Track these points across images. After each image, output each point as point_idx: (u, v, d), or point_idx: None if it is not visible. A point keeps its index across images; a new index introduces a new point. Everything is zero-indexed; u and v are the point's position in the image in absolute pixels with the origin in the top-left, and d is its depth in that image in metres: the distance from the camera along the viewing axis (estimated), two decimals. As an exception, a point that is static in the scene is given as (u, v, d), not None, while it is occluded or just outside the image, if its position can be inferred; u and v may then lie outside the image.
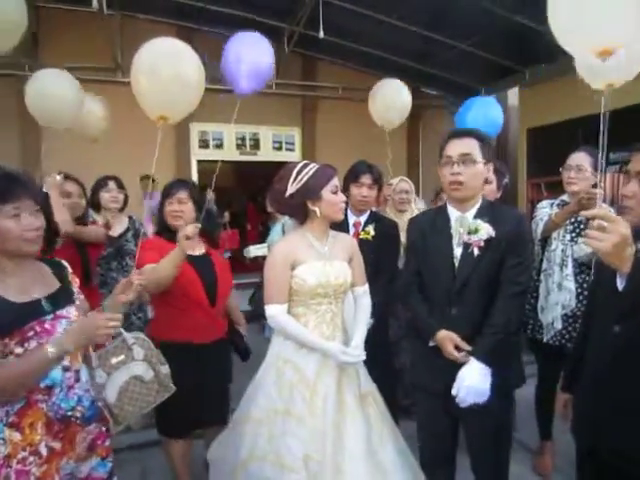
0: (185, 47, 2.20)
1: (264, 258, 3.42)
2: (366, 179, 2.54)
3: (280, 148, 6.62)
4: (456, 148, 1.77)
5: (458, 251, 1.79)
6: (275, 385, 1.86)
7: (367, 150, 3.21)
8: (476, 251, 1.74)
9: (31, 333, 1.35)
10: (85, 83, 3.77)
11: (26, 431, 1.36)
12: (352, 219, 2.61)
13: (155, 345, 2.17)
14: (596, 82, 1.90)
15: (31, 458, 1.35)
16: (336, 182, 1.90)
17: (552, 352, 2.48)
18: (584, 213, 1.26)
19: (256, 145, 6.51)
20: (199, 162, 6.36)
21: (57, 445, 1.40)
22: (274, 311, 1.86)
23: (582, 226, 2.38)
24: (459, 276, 1.77)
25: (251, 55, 2.54)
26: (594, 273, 1.80)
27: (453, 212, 1.83)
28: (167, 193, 2.28)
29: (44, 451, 1.37)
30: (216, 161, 6.39)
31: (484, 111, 3.26)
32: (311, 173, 1.85)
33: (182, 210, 2.25)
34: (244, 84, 2.55)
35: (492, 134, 3.21)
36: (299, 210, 1.90)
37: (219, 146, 6.40)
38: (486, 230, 1.73)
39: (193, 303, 2.21)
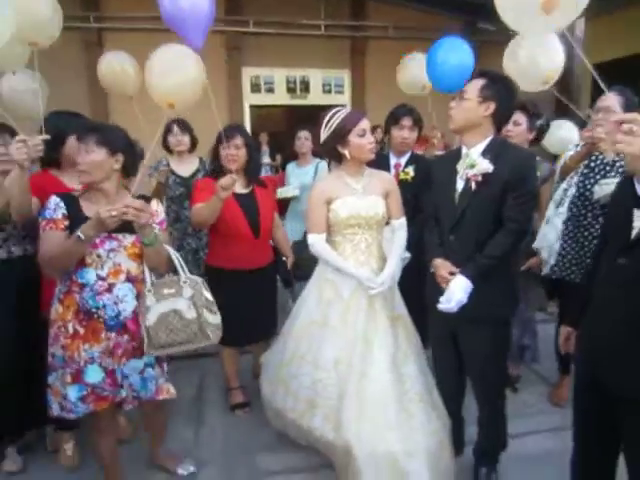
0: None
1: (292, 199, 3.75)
2: (406, 121, 2.73)
3: (330, 91, 6.73)
4: (465, 87, 1.95)
5: (460, 185, 1.96)
6: (316, 301, 2.25)
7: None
8: (473, 185, 1.88)
9: None
10: (149, 32, 4.03)
11: (64, 309, 1.85)
12: (393, 160, 2.83)
13: (209, 270, 2.59)
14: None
15: (62, 329, 1.85)
16: (364, 125, 2.13)
17: (556, 287, 2.66)
18: (619, 117, 1.28)
19: (306, 89, 6.65)
20: (251, 107, 6.60)
21: (81, 330, 1.83)
22: (313, 239, 2.22)
23: (598, 169, 2.46)
24: (457, 208, 1.95)
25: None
26: (608, 207, 1.92)
27: (464, 150, 1.99)
28: (224, 137, 2.53)
29: (70, 329, 1.83)
30: (268, 106, 6.63)
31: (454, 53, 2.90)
32: (339, 119, 2.12)
33: (237, 154, 2.56)
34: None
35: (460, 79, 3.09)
36: (333, 153, 2.20)
37: (270, 90, 6.60)
38: (483, 166, 1.85)
39: (238, 235, 2.58)
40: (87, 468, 2.34)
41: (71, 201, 1.84)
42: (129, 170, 1.95)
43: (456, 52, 2.86)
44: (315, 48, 6.29)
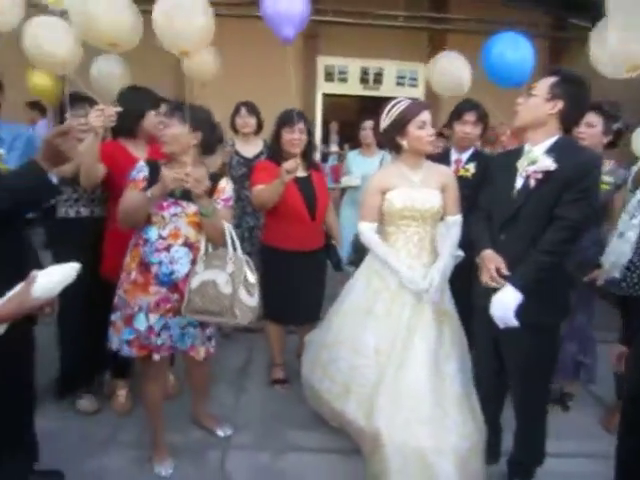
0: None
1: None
2: (469, 116, 2.67)
3: (403, 84, 6.67)
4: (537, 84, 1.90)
5: (519, 182, 1.90)
6: (363, 288, 2.29)
7: (495, 88, 3.14)
8: (532, 183, 1.83)
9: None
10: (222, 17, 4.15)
11: (131, 259, 2.09)
12: (454, 156, 2.78)
13: (264, 248, 2.71)
14: None
15: (127, 276, 2.08)
16: (424, 117, 2.13)
17: (620, 302, 2.50)
18: None
19: (379, 80, 6.64)
20: (324, 95, 6.68)
21: (139, 279, 2.05)
22: (363, 228, 2.27)
23: None
24: (513, 205, 1.89)
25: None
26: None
27: (526, 147, 1.93)
28: (287, 121, 2.63)
29: (132, 277, 2.06)
30: (340, 95, 6.66)
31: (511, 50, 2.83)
32: (400, 109, 2.14)
33: (301, 138, 2.65)
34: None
35: (520, 77, 2.86)
36: (392, 144, 2.23)
37: (344, 80, 6.64)
38: (545, 163, 1.78)
39: (296, 217, 2.68)
40: (137, 414, 2.57)
41: (154, 168, 2.04)
42: (206, 148, 2.13)
43: (515, 47, 2.81)
44: (392, 39, 6.23)
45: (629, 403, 1.65)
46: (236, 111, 3.49)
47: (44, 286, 1.30)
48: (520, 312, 1.80)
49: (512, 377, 2.06)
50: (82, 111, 2.31)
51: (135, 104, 2.34)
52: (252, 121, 3.48)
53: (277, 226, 2.74)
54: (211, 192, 2.10)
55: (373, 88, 6.65)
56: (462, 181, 2.53)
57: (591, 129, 2.56)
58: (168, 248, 2.04)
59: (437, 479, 1.90)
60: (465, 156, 2.76)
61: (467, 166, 2.71)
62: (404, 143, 2.18)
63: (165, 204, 2.03)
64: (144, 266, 2.04)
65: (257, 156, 3.48)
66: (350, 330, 2.27)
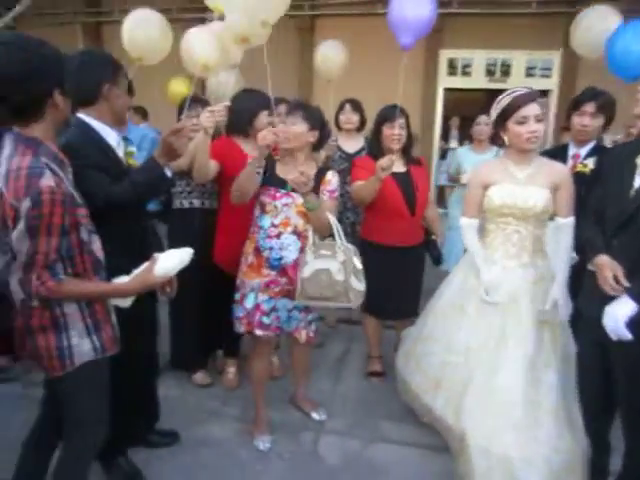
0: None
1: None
2: (589, 107, 2.46)
3: (533, 75, 6.22)
4: None
5: (638, 181, 1.72)
6: (460, 285, 2.26)
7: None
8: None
9: (269, 191, 2.23)
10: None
11: (249, 244, 2.32)
12: (572, 150, 2.58)
13: (364, 243, 2.77)
14: None
15: (244, 260, 2.32)
16: (525, 112, 1.99)
17: None
18: None
19: (507, 72, 6.28)
20: (445, 90, 6.52)
21: (254, 261, 2.27)
22: (463, 223, 2.23)
23: None
24: (630, 205, 1.70)
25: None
26: None
27: None
28: (388, 117, 2.66)
29: (249, 260, 2.30)
30: (463, 89, 6.44)
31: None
32: (505, 102, 2.04)
33: (401, 134, 2.67)
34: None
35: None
36: (498, 138, 2.14)
37: (467, 73, 6.41)
38: None
39: (395, 212, 2.70)
40: (242, 391, 2.82)
41: (271, 162, 2.27)
42: (317, 145, 2.32)
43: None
44: (522, 28, 5.84)
45: None
46: (340, 108, 3.56)
47: (164, 266, 1.54)
48: (633, 323, 1.64)
49: (619, 389, 1.86)
50: (195, 112, 2.58)
51: (248, 105, 2.55)
52: (355, 118, 3.51)
53: (376, 221, 2.79)
54: (318, 184, 2.25)
55: (500, 80, 6.30)
56: (579, 178, 2.34)
57: None
58: (279, 235, 2.23)
59: None
60: (584, 151, 2.54)
61: (585, 161, 2.49)
62: (505, 138, 2.10)
63: (278, 195, 2.22)
64: (258, 250, 2.27)
65: (358, 152, 3.52)
66: (444, 326, 2.26)
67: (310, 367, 2.79)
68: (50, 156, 1.40)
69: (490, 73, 6.33)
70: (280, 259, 2.24)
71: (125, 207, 1.78)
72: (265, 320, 2.26)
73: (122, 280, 1.54)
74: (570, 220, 2.12)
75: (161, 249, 1.78)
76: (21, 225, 1.32)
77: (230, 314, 2.40)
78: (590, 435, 1.94)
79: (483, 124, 3.63)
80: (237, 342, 2.97)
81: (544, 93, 6.03)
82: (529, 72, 6.24)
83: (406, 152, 2.78)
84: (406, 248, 2.75)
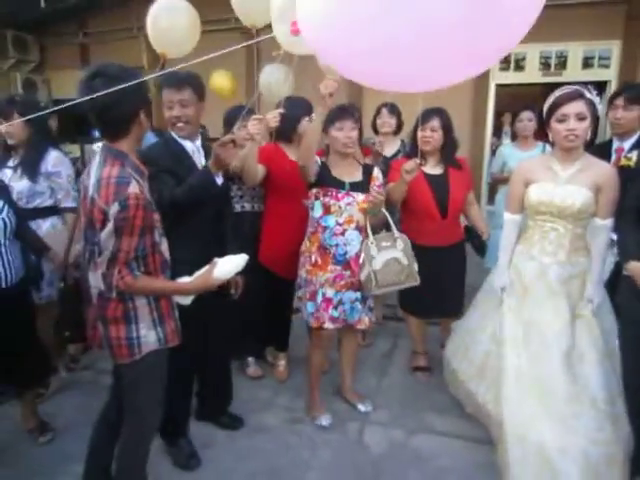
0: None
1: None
2: (619, 100, 2.50)
3: (592, 65, 6.02)
4: None
5: None
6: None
7: None
8: None
9: (331, 193, 2.43)
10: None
11: (310, 244, 2.51)
12: (615, 144, 2.59)
13: None
14: None
15: (308, 259, 2.51)
16: (566, 110, 2.04)
17: None
18: None
19: (563, 64, 6.11)
20: (498, 86, 6.43)
21: (319, 259, 2.47)
22: (506, 217, 2.34)
23: None
24: None
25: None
26: None
27: None
28: (421, 120, 2.71)
29: (312, 259, 2.48)
30: (516, 84, 6.32)
31: None
32: (550, 100, 2.09)
33: (432, 136, 2.74)
34: None
35: None
36: (545, 134, 2.19)
37: (520, 68, 6.30)
38: None
39: (427, 214, 2.79)
40: (292, 383, 3.03)
41: (324, 164, 2.49)
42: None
43: None
44: (578, 18, 5.67)
45: None
46: (377, 112, 3.58)
47: (222, 270, 1.75)
48: None
49: None
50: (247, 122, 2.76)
51: (291, 112, 2.72)
52: (392, 121, 3.53)
53: (410, 222, 2.88)
54: (368, 181, 2.49)
55: (555, 74, 6.15)
56: (623, 172, 2.31)
57: None
58: (343, 232, 2.45)
59: (558, 478, 1.86)
60: (627, 144, 2.55)
61: (630, 154, 2.48)
62: (550, 136, 2.15)
63: (340, 195, 2.42)
64: (323, 249, 2.46)
65: (395, 155, 3.56)
66: (490, 318, 2.36)
67: (357, 361, 2.92)
68: (133, 167, 1.64)
69: (545, 66, 6.18)
70: (345, 254, 2.46)
71: (185, 207, 2.03)
72: (334, 313, 2.46)
73: (185, 280, 1.75)
74: (608, 222, 2.12)
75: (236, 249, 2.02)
76: (110, 226, 1.54)
77: (282, 311, 2.61)
78: (635, 430, 1.96)
79: (526, 120, 3.59)
80: (287, 337, 3.16)
81: (603, 84, 5.83)
82: (587, 62, 6.05)
83: (444, 154, 2.83)
84: (440, 248, 2.79)
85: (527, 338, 2.13)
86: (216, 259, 1.77)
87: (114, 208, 1.53)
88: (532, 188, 2.19)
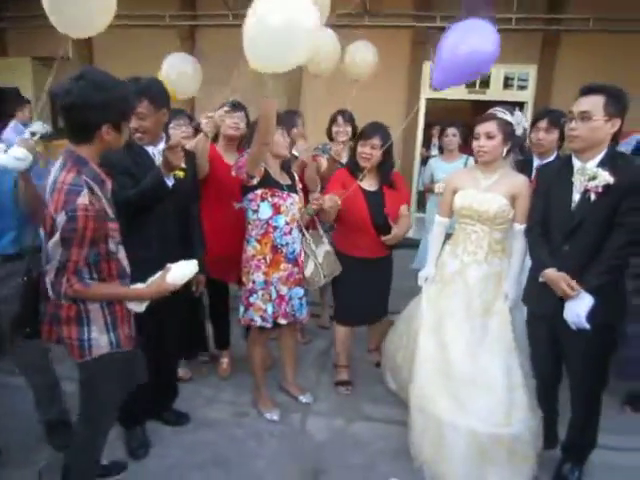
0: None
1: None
2: (542, 123, 2.89)
3: (511, 86, 6.68)
4: (579, 105, 2.04)
5: (577, 197, 2.08)
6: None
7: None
8: (593, 196, 2.00)
9: (279, 194, 2.61)
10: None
11: (262, 246, 2.63)
12: (536, 162, 2.98)
13: (335, 253, 3.05)
14: None
15: (262, 261, 2.63)
16: (477, 129, 2.42)
17: None
18: None
19: (486, 83, 6.72)
20: (427, 100, 6.93)
21: (273, 259, 2.63)
22: (436, 220, 2.71)
23: None
24: (574, 218, 2.07)
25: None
26: None
27: (576, 162, 2.11)
28: (363, 135, 2.87)
29: (268, 259, 2.63)
30: (443, 99, 6.84)
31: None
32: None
33: (372, 154, 2.83)
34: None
35: None
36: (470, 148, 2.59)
37: (449, 84, 6.84)
38: (604, 177, 1.96)
39: (361, 228, 2.90)
40: (235, 379, 3.19)
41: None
42: None
43: None
44: (501, 42, 6.31)
45: None
46: (333, 119, 3.71)
47: (175, 275, 1.82)
48: (589, 314, 2.02)
49: (570, 369, 2.27)
50: (182, 121, 2.85)
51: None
52: (348, 129, 3.67)
53: (345, 233, 3.01)
54: (294, 183, 2.78)
55: (479, 92, 6.76)
56: None
57: None
58: (290, 231, 2.66)
59: (449, 451, 2.24)
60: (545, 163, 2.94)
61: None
62: None
63: (284, 195, 2.62)
64: (275, 248, 2.63)
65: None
66: (415, 308, 2.71)
67: (297, 358, 3.15)
68: (92, 175, 1.68)
69: (471, 84, 6.76)
70: (293, 252, 2.68)
71: (140, 208, 2.14)
72: (288, 310, 2.68)
73: (139, 286, 1.82)
74: (523, 227, 2.44)
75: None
76: (56, 236, 1.58)
77: (221, 310, 2.84)
78: (542, 408, 2.33)
79: (451, 135, 3.99)
80: (228, 335, 3.31)
81: (521, 105, 6.49)
82: (507, 83, 6.70)
83: (381, 172, 2.93)
84: (373, 259, 2.97)
85: (440, 325, 2.46)
86: (169, 265, 1.84)
87: (61, 217, 1.56)
88: (458, 195, 2.53)
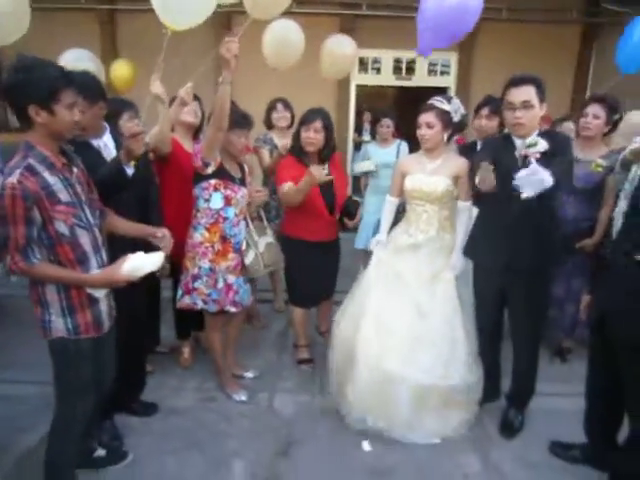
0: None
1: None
2: (484, 111, 3.22)
3: (435, 72, 7.07)
4: (517, 95, 2.33)
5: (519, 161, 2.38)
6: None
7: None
8: (532, 161, 2.28)
9: (231, 186, 2.71)
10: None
11: (210, 234, 2.73)
12: (479, 146, 3.26)
13: (286, 239, 3.23)
14: None
15: (210, 249, 2.73)
16: (419, 120, 2.68)
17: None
18: None
19: (412, 70, 7.06)
20: (357, 86, 7.17)
21: (221, 248, 2.74)
22: (387, 199, 2.96)
23: None
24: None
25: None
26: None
27: (517, 141, 2.43)
28: (305, 120, 2.95)
29: (216, 247, 2.73)
30: (373, 86, 7.11)
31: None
32: None
33: (316, 138, 2.92)
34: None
35: None
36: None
37: (377, 71, 7.11)
38: (542, 145, 2.28)
39: (315, 212, 3.02)
40: (198, 367, 3.27)
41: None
42: None
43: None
44: (424, 30, 6.67)
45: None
46: (272, 107, 3.80)
47: (131, 266, 1.84)
48: (517, 257, 2.42)
49: (515, 318, 2.61)
50: (133, 112, 2.72)
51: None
52: (287, 115, 3.77)
53: (297, 220, 3.09)
54: (244, 177, 2.88)
55: (406, 78, 7.08)
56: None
57: (596, 120, 3.03)
58: (238, 223, 2.79)
59: (393, 400, 2.53)
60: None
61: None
62: None
63: (235, 188, 2.72)
64: (224, 238, 2.74)
65: None
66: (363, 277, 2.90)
67: (257, 340, 3.37)
68: (39, 158, 1.73)
69: (398, 70, 7.07)
70: (239, 242, 2.78)
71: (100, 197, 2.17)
72: (236, 298, 2.79)
73: (92, 273, 1.86)
74: (468, 204, 2.74)
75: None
76: None
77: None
78: (485, 362, 2.65)
79: (385, 126, 4.17)
80: (187, 325, 3.35)
81: (443, 90, 6.90)
82: (431, 69, 7.07)
83: (325, 154, 3.02)
84: (325, 243, 3.12)
85: (388, 287, 2.70)
86: (129, 254, 1.87)
87: None
88: (407, 178, 2.78)
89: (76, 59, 2.96)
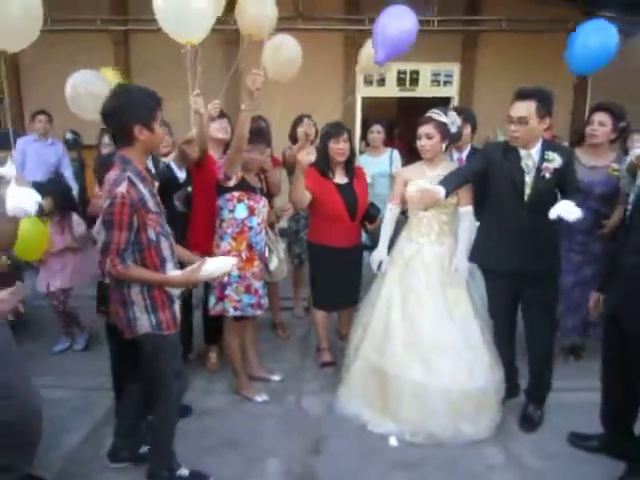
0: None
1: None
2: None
3: (438, 82, 7.27)
4: (516, 110, 2.49)
5: (527, 177, 2.56)
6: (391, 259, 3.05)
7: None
8: (547, 175, 2.49)
9: (254, 197, 2.90)
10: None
11: (237, 243, 2.88)
12: (455, 155, 3.48)
13: (311, 245, 3.44)
14: None
15: (238, 257, 2.78)
16: (419, 131, 2.82)
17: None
18: None
19: (416, 82, 7.26)
20: (363, 99, 7.37)
21: (248, 255, 2.90)
22: (388, 207, 3.05)
23: None
24: (532, 190, 2.57)
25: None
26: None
27: (522, 151, 2.58)
28: (333, 134, 3.15)
29: (243, 255, 2.87)
30: (378, 98, 7.30)
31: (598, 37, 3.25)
32: None
33: (345, 148, 3.16)
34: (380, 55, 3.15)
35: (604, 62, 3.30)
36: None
37: (382, 81, 7.29)
38: (558, 161, 2.50)
39: (338, 218, 3.22)
40: (225, 372, 3.36)
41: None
42: None
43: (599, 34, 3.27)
44: (426, 42, 6.81)
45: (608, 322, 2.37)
46: (299, 121, 3.94)
47: (208, 269, 2.07)
48: (538, 264, 2.59)
49: (530, 319, 2.76)
50: (165, 129, 2.89)
51: None
52: (313, 130, 3.80)
53: (321, 225, 3.28)
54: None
55: (410, 89, 7.28)
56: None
57: (603, 127, 3.14)
58: (261, 231, 2.94)
59: (425, 409, 2.63)
60: (464, 154, 3.45)
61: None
62: None
63: (258, 198, 2.89)
64: (250, 247, 2.90)
65: None
66: (375, 292, 3.02)
67: (279, 345, 3.55)
68: (135, 172, 1.98)
69: (402, 82, 7.27)
70: (261, 249, 2.96)
71: None
72: (263, 302, 2.95)
73: (174, 274, 2.09)
74: (468, 208, 2.86)
75: None
76: (99, 220, 1.93)
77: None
78: (503, 363, 2.76)
79: (375, 132, 4.12)
80: (215, 330, 3.43)
81: (447, 100, 7.09)
82: (434, 79, 7.27)
83: (348, 165, 3.26)
84: (347, 248, 3.27)
85: (405, 301, 2.81)
86: (207, 258, 2.13)
87: (104, 203, 1.92)
88: (409, 185, 2.89)
89: (86, 81, 3.07)
